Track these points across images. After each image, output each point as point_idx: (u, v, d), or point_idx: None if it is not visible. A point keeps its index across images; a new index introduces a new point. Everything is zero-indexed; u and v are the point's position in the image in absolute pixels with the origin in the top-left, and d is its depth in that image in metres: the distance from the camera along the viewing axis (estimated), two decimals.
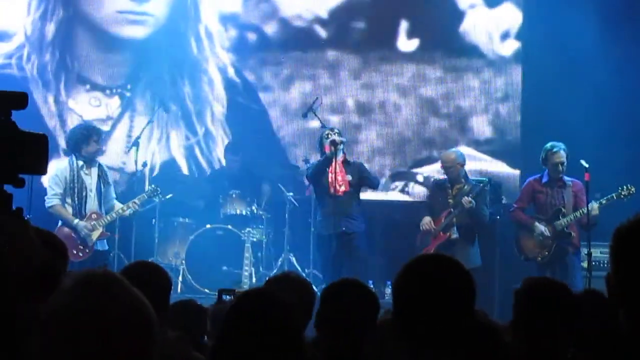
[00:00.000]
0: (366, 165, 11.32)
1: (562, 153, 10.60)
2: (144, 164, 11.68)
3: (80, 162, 10.25)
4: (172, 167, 12.94)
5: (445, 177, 10.97)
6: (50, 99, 12.88)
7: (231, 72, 13.06)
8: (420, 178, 12.82)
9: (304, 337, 3.20)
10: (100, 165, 10.48)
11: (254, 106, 13.07)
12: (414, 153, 13.04)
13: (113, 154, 12.88)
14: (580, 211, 10.49)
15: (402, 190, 12.95)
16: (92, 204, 10.35)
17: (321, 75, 13.05)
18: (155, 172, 12.81)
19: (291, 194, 11.83)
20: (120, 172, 12.82)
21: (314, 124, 12.56)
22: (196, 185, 12.34)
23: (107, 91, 12.99)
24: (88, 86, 12.96)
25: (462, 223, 10.72)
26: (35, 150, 2.80)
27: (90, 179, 10.32)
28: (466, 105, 13.00)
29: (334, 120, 12.88)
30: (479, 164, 12.85)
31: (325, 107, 12.89)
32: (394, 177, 13.03)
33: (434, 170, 12.76)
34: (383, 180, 12.87)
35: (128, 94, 13.00)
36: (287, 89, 13.08)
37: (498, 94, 12.96)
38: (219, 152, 12.92)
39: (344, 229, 10.50)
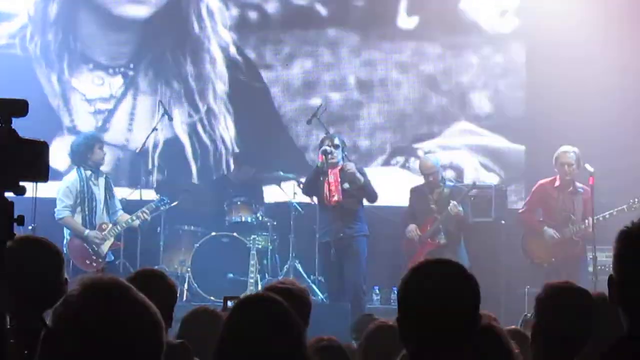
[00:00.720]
0: (366, 169, 11.27)
1: (572, 155, 10.64)
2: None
3: (89, 172, 10.36)
4: (175, 144, 12.99)
5: (423, 182, 11.05)
6: (54, 79, 12.94)
7: (233, 50, 13.12)
8: (420, 153, 12.90)
9: (305, 341, 3.19)
10: (106, 177, 10.62)
11: (255, 84, 13.14)
12: (414, 129, 13.12)
13: (117, 133, 12.96)
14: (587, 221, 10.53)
15: (403, 166, 13.03)
16: (100, 214, 10.47)
17: (322, 52, 13.11)
18: (159, 150, 12.87)
19: (296, 200, 11.82)
20: (123, 149, 12.90)
21: (316, 101, 12.70)
22: (201, 192, 12.27)
23: (110, 70, 13.03)
24: (91, 65, 13.01)
25: (448, 228, 10.81)
26: (36, 158, 2.79)
27: (99, 190, 10.45)
28: (466, 81, 13.08)
29: (335, 97, 12.99)
30: (480, 139, 12.95)
31: (326, 84, 13.01)
32: (395, 152, 13.11)
33: (434, 145, 12.90)
34: (384, 157, 12.98)
35: (131, 73, 13.05)
36: (288, 67, 13.15)
37: (498, 70, 13.04)
38: (222, 130, 13.00)
39: (341, 235, 10.50)
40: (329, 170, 10.63)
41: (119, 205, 10.80)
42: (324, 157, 10.55)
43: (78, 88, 12.96)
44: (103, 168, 10.83)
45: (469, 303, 3.02)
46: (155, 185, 12.13)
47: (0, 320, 2.56)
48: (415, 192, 11.21)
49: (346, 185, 10.61)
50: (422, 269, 3.09)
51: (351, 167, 10.67)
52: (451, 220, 10.75)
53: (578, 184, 10.75)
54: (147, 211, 10.67)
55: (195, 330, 4.87)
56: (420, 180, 11.34)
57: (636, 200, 10.49)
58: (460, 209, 10.68)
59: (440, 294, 2.99)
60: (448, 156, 12.91)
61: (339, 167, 10.65)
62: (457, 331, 2.97)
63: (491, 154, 12.96)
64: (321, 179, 10.65)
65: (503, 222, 11.62)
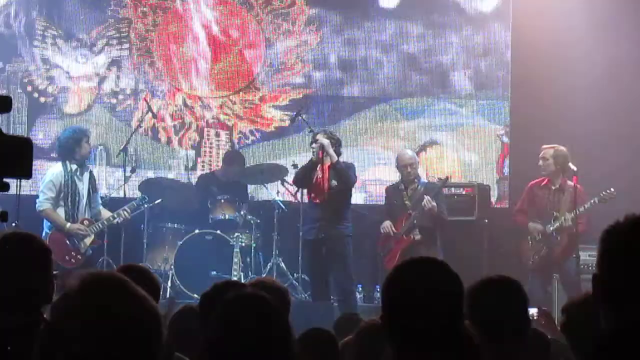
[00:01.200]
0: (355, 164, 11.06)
1: (549, 151, 10.81)
2: (132, 170, 11.83)
3: (74, 166, 10.35)
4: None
5: (399, 179, 11.06)
6: (37, 57, 12.98)
7: (215, 29, 13.17)
8: (401, 134, 13.01)
9: (294, 337, 3.15)
10: (91, 172, 10.60)
11: (237, 62, 13.21)
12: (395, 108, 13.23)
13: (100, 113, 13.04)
14: (564, 217, 10.62)
15: (384, 146, 13.10)
16: (83, 210, 10.44)
17: (304, 31, 13.18)
18: (146, 123, 12.88)
19: (280, 199, 11.90)
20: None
21: (298, 80, 12.83)
22: (185, 190, 12.22)
23: (94, 48, 13.08)
24: (75, 43, 13.05)
25: (423, 224, 10.77)
26: (19, 154, 2.85)
27: (83, 185, 10.39)
28: (447, 61, 13.16)
29: (317, 76, 13.09)
30: (460, 118, 13.06)
31: (309, 62, 13.10)
32: (375, 132, 13.19)
33: (416, 126, 13.01)
34: (366, 137, 13.09)
35: (115, 52, 13.09)
36: (270, 46, 13.21)
37: (478, 50, 13.13)
38: (203, 108, 13.06)
39: (322, 235, 10.38)
40: (319, 167, 10.53)
41: (99, 200, 10.79)
42: (321, 151, 10.39)
43: (62, 66, 12.98)
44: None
45: (454, 301, 3.04)
46: (139, 184, 12.08)
47: None
48: (390, 190, 11.21)
49: (334, 183, 10.49)
50: (407, 267, 3.10)
51: (326, 143, 10.44)
52: (426, 216, 10.74)
53: (569, 182, 10.75)
54: (128, 210, 10.65)
55: (180, 327, 4.89)
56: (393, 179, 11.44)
57: (608, 191, 10.50)
58: (434, 203, 10.68)
59: (425, 292, 3.01)
60: (428, 135, 13.02)
61: (328, 164, 10.51)
62: (442, 329, 2.99)
63: (470, 134, 13.05)
64: (312, 173, 10.56)
65: (486, 221, 11.65)
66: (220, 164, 12.57)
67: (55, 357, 2.19)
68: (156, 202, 11.38)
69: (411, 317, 2.98)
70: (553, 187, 10.87)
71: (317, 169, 10.52)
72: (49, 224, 10.48)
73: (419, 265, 3.12)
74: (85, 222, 10.41)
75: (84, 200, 10.44)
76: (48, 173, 10.51)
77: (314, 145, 10.49)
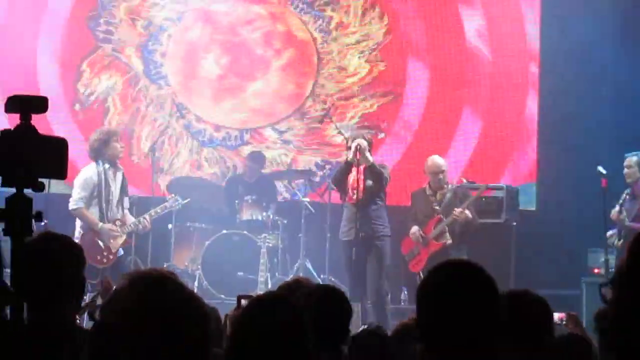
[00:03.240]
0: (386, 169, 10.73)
1: (633, 159, 10.64)
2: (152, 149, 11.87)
3: (107, 165, 10.30)
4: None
5: (426, 185, 10.96)
6: None
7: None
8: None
9: (310, 341, 3.20)
10: (123, 173, 10.58)
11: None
12: None
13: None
14: None
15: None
16: (115, 209, 10.42)
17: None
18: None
19: (307, 199, 11.81)
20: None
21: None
22: (213, 189, 12.21)
23: None
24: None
25: (454, 229, 10.71)
26: (54, 155, 2.87)
27: (115, 185, 10.36)
28: None
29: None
30: None
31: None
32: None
33: None
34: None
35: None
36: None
37: None
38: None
39: (362, 234, 10.22)
40: (354, 167, 10.34)
41: (127, 204, 10.71)
42: (357, 153, 10.18)
43: None
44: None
45: (488, 304, 3.04)
46: (167, 183, 12.09)
47: (17, 314, 2.62)
48: (417, 195, 11.12)
49: (369, 183, 10.35)
50: (442, 270, 3.11)
51: (364, 145, 10.24)
52: (457, 223, 10.68)
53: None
54: (147, 218, 10.47)
55: None
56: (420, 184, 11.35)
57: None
58: (468, 213, 10.66)
59: (459, 295, 3.02)
60: None
61: (364, 165, 10.32)
62: (475, 332, 2.99)
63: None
64: (348, 174, 10.38)
65: (514, 223, 11.57)
66: None
67: (107, 356, 2.24)
68: (184, 201, 11.38)
69: (445, 319, 2.99)
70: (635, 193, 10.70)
71: (353, 169, 10.37)
72: (80, 223, 10.49)
73: (454, 268, 3.14)
74: (118, 222, 10.40)
75: (115, 201, 10.44)
76: (82, 171, 10.49)
77: (358, 144, 10.24)
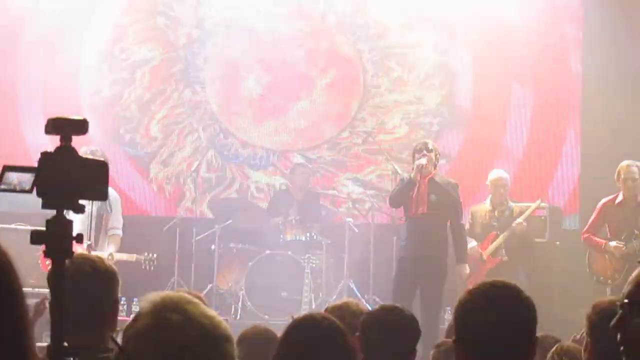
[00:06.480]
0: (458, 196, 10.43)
1: (634, 169, 10.51)
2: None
3: None
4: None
5: (488, 200, 10.96)
6: None
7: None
8: None
9: None
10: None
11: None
12: None
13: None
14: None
15: None
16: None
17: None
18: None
19: (350, 219, 11.72)
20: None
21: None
22: (254, 210, 12.29)
23: None
24: None
25: (511, 245, 10.70)
26: (95, 176, 2.84)
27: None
28: None
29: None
30: None
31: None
32: None
33: None
34: None
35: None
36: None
37: None
38: None
39: (420, 253, 10.00)
40: (420, 178, 10.15)
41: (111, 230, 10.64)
42: (419, 171, 10.04)
43: None
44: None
45: (525, 326, 3.07)
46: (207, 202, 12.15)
47: (58, 341, 2.59)
48: (476, 210, 11.11)
49: (433, 197, 10.12)
50: (478, 291, 3.14)
51: (424, 163, 10.03)
52: (514, 237, 10.70)
53: None
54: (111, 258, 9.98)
55: (254, 347, 4.86)
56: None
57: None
58: (525, 224, 10.68)
59: (496, 316, 3.05)
60: None
61: (429, 176, 10.17)
62: (513, 354, 3.03)
63: None
64: (410, 191, 10.17)
65: (558, 243, 11.53)
66: None
67: None
68: (227, 222, 11.38)
69: (480, 341, 3.03)
70: (633, 204, 10.62)
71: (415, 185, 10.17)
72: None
73: (491, 289, 3.16)
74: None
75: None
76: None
77: (420, 163, 10.06)
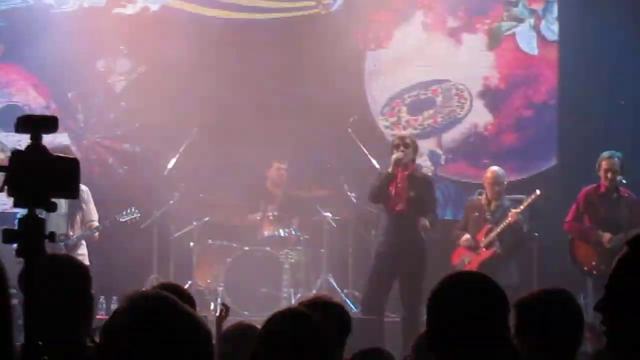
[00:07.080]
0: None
1: (614, 161, 10.47)
2: None
3: None
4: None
5: (483, 194, 10.97)
6: None
7: None
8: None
9: (330, 357, 3.26)
10: None
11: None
12: None
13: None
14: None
15: None
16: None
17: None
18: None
19: (329, 214, 11.69)
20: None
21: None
22: (233, 207, 12.14)
23: None
24: None
25: (504, 238, 10.69)
26: (66, 174, 2.82)
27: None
28: None
29: None
30: None
31: None
32: None
33: None
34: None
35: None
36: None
37: None
38: None
39: (397, 247, 10.13)
40: (398, 173, 10.22)
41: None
42: (395, 165, 10.11)
43: None
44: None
45: (495, 316, 3.09)
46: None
47: (31, 338, 2.58)
48: (470, 205, 11.11)
49: (412, 194, 10.20)
50: (449, 282, 3.17)
51: (399, 157, 10.11)
52: (508, 231, 10.68)
53: (623, 190, 10.55)
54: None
55: (239, 344, 4.85)
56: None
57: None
58: (521, 216, 10.65)
59: (465, 304, 3.08)
60: None
61: (407, 172, 10.24)
62: (486, 344, 3.04)
63: None
64: (388, 185, 10.22)
65: (536, 234, 11.48)
66: None
67: None
68: (204, 219, 11.35)
69: (453, 330, 3.05)
70: (615, 196, 10.57)
71: (397, 176, 10.21)
72: None
73: (461, 279, 3.22)
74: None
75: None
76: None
77: (397, 157, 10.12)
